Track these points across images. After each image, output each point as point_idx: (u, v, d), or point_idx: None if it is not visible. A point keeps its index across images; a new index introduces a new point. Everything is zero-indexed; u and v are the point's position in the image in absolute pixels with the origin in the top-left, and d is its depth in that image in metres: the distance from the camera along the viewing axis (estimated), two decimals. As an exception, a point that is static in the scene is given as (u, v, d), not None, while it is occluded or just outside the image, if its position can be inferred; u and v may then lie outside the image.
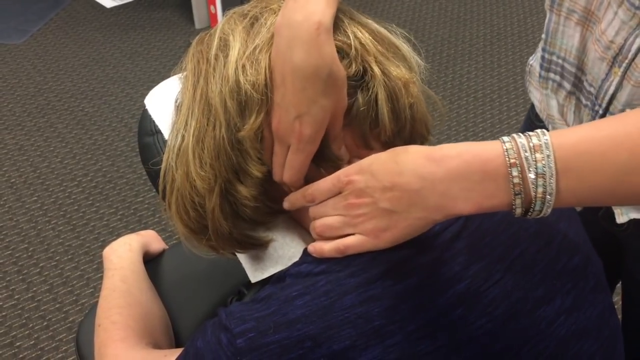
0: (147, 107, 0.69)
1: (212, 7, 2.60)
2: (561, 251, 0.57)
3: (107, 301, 0.75)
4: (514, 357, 0.53)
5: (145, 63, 2.44)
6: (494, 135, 2.06)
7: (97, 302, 0.77)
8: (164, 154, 0.61)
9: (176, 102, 0.62)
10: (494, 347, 0.52)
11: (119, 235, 1.72)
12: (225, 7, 2.56)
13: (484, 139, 2.08)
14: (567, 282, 0.57)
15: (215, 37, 0.59)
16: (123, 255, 0.81)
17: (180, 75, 0.64)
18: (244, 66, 0.55)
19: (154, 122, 0.68)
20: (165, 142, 0.63)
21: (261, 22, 0.58)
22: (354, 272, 0.51)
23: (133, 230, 1.75)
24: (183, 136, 0.58)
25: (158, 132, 0.67)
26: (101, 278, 1.65)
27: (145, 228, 1.75)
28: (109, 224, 1.76)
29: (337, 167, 0.56)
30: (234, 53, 0.56)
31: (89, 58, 2.48)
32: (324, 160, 0.57)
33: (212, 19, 2.64)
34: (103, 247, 1.67)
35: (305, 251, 0.57)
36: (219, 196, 0.57)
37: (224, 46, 0.58)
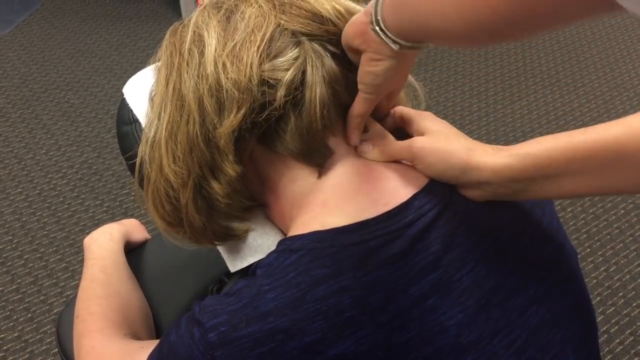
0: (125, 95, 0.69)
1: (199, -1, 2.59)
2: (534, 240, 0.58)
3: (86, 292, 0.74)
4: (486, 346, 0.53)
5: (132, 54, 2.43)
6: (481, 128, 2.07)
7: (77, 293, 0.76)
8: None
9: (151, 93, 0.62)
10: (465, 337, 0.52)
11: (104, 227, 1.72)
12: (213, -2, 2.54)
13: (470, 131, 2.08)
14: (540, 271, 0.57)
15: (188, 29, 0.59)
16: (103, 244, 0.80)
17: (159, 64, 0.64)
18: (224, 64, 0.55)
19: (132, 111, 0.67)
20: (142, 130, 0.63)
21: (237, 17, 0.57)
22: (324, 264, 0.51)
23: (119, 222, 1.75)
24: (156, 130, 0.58)
25: (136, 121, 0.67)
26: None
27: (130, 220, 1.75)
28: (95, 216, 1.75)
29: None
30: (210, 50, 0.56)
31: (75, 49, 2.46)
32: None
33: (200, 10, 2.62)
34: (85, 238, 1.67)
35: (278, 243, 0.56)
36: (192, 191, 0.57)
37: (199, 41, 0.57)
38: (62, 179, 1.87)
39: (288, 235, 0.55)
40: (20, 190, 1.83)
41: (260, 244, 0.62)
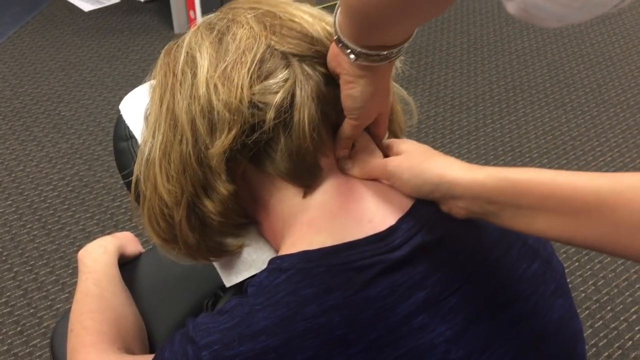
0: (121, 112, 0.69)
1: (191, 12, 2.60)
2: (521, 257, 0.59)
3: (80, 305, 0.75)
4: None
5: (124, 67, 2.43)
6: (471, 142, 2.09)
7: (71, 306, 0.76)
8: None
9: (146, 112, 0.63)
10: (455, 354, 0.53)
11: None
12: (205, 12, 2.56)
13: (460, 146, 2.10)
14: (527, 288, 0.58)
15: (182, 50, 0.60)
16: (98, 258, 0.81)
17: (153, 82, 0.65)
18: (215, 86, 0.56)
19: (128, 127, 0.68)
20: (139, 147, 0.64)
21: (229, 39, 0.58)
22: (312, 283, 0.52)
23: (109, 235, 1.74)
24: (150, 148, 0.59)
25: (132, 137, 0.68)
26: (76, 283, 1.64)
27: (121, 233, 1.74)
28: (85, 229, 1.75)
29: None
30: (202, 71, 0.57)
31: (66, 62, 2.47)
32: None
33: (192, 23, 2.63)
34: (78, 251, 1.67)
35: (268, 262, 0.57)
36: (186, 209, 0.58)
37: (192, 62, 0.58)
38: (52, 191, 1.87)
39: (279, 254, 0.56)
40: (10, 202, 1.82)
41: (255, 259, 0.62)
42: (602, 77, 2.44)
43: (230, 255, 0.63)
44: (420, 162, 0.56)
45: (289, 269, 0.53)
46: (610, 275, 1.63)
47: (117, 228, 1.75)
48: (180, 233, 0.59)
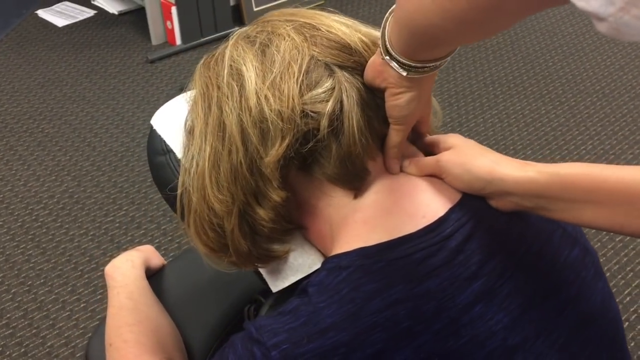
0: (155, 127, 0.70)
1: (168, 23, 2.59)
2: (561, 244, 0.61)
3: (116, 320, 0.75)
4: (532, 347, 0.56)
5: (104, 81, 2.41)
6: (455, 138, 2.12)
7: (103, 321, 0.77)
8: (178, 173, 0.62)
9: (186, 124, 0.63)
10: (512, 340, 0.55)
11: (91, 257, 1.71)
12: (182, 23, 2.55)
13: (445, 142, 2.14)
14: (570, 273, 0.60)
15: (224, 63, 0.61)
16: (126, 272, 0.81)
17: (185, 96, 0.65)
18: (266, 96, 0.57)
19: (164, 141, 0.69)
20: (178, 160, 0.64)
21: (273, 50, 0.60)
22: (374, 279, 0.53)
23: (106, 251, 1.73)
24: (198, 161, 0.60)
25: (170, 151, 0.68)
26: (77, 300, 1.63)
27: (118, 247, 1.74)
28: (80, 245, 1.73)
29: None
30: (250, 83, 0.58)
31: (45, 78, 2.44)
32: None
33: (169, 34, 2.62)
34: (76, 268, 1.66)
35: (324, 262, 0.59)
36: (237, 217, 0.59)
37: (237, 75, 0.59)
38: (43, 210, 1.85)
39: (333, 254, 0.58)
40: (1, 223, 1.80)
41: (301, 263, 0.64)
42: (576, 68, 2.50)
43: (277, 261, 0.64)
44: (472, 158, 0.59)
45: (349, 267, 0.54)
46: (615, 268, 1.68)
47: (112, 243, 1.74)
48: (232, 242, 0.60)
